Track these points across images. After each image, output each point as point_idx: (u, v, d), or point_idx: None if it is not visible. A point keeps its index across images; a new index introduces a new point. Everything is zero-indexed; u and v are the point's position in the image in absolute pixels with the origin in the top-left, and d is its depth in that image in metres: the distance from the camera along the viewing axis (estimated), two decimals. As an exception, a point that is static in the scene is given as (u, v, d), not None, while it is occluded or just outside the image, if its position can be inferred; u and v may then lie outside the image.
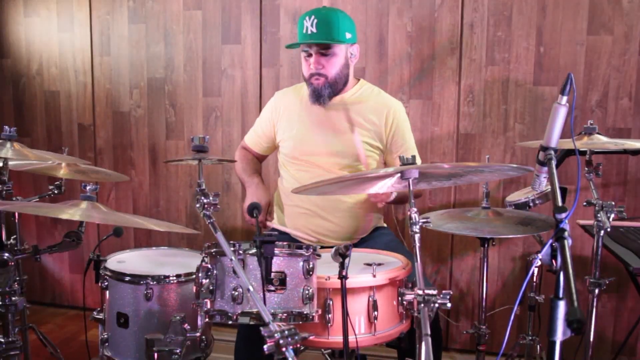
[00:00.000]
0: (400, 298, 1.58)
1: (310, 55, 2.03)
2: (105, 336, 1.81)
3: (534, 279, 2.16)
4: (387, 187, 1.62)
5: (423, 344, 1.18)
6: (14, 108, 3.36)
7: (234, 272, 1.38)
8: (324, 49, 2.01)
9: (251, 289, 1.27)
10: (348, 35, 2.03)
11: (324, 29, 1.98)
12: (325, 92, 2.05)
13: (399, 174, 1.48)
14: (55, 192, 2.39)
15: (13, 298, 1.63)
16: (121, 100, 3.19)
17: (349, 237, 2.11)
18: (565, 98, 1.28)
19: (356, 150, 2.08)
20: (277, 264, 1.41)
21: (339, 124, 2.10)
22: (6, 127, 1.93)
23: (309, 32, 1.99)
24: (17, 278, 2.03)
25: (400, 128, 2.13)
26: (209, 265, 1.43)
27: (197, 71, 3.07)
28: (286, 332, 1.17)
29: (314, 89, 2.05)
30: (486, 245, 2.06)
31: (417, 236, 1.32)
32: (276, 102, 2.25)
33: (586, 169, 1.91)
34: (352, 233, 2.13)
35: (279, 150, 2.26)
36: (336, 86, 2.07)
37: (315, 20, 1.97)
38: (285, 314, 1.40)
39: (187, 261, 1.94)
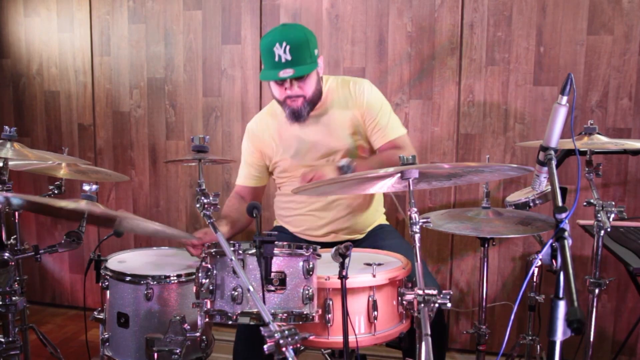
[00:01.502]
0: (400, 298, 1.58)
1: (284, 81, 1.95)
2: (106, 336, 1.81)
3: (534, 279, 2.16)
4: (387, 187, 1.63)
5: (423, 344, 1.19)
6: (14, 108, 3.36)
7: (234, 272, 1.38)
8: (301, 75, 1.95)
9: (251, 289, 1.27)
10: (316, 52, 1.99)
11: (298, 54, 1.89)
12: (304, 111, 2.01)
13: (399, 174, 1.48)
14: (55, 192, 2.39)
15: (13, 298, 1.63)
16: (121, 100, 3.20)
17: (353, 232, 2.13)
18: (565, 98, 1.28)
19: (347, 144, 2.07)
20: (277, 264, 1.41)
21: (323, 129, 2.09)
22: (6, 127, 1.93)
23: (283, 59, 1.89)
24: (17, 278, 2.04)
25: (369, 103, 2.08)
26: (209, 265, 1.43)
27: (197, 71, 3.07)
28: (286, 332, 1.17)
29: (292, 110, 2.01)
30: (486, 245, 2.06)
31: (417, 236, 1.32)
32: (252, 133, 2.20)
33: (586, 169, 1.91)
34: (353, 229, 2.14)
35: (273, 175, 2.24)
36: (313, 102, 2.04)
37: (288, 47, 1.88)
38: (285, 314, 1.40)
39: (187, 261, 1.94)
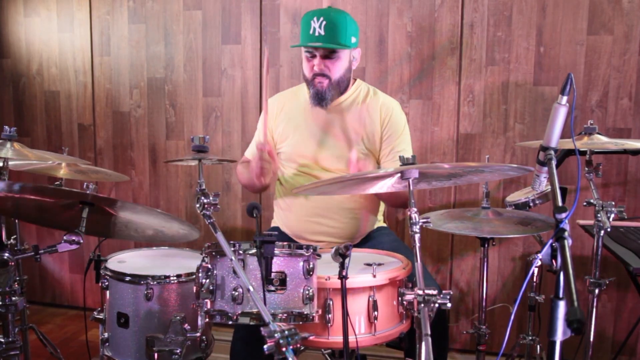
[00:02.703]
0: (400, 298, 1.58)
1: (314, 56, 2.01)
2: (106, 336, 1.81)
3: (534, 279, 2.16)
4: (387, 187, 1.62)
5: (423, 344, 1.18)
6: (14, 108, 3.36)
7: (234, 272, 1.38)
8: (330, 52, 1.99)
9: (251, 289, 1.27)
10: (353, 40, 2.02)
11: (332, 32, 1.95)
12: (328, 95, 2.03)
13: (398, 174, 1.48)
14: (55, 192, 2.38)
15: (13, 298, 1.63)
16: (121, 100, 3.20)
17: (349, 238, 2.12)
18: (565, 98, 1.28)
19: (349, 152, 2.07)
20: (277, 264, 1.41)
21: (337, 128, 2.10)
22: (6, 127, 1.93)
23: (317, 33, 1.95)
24: (17, 278, 2.04)
25: (394, 126, 2.10)
26: (209, 265, 1.43)
27: (197, 71, 3.07)
28: (286, 332, 1.17)
29: (317, 91, 2.03)
30: (486, 245, 2.06)
31: (417, 236, 1.32)
32: (271, 108, 2.21)
33: (586, 169, 1.91)
34: (351, 234, 2.13)
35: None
36: (338, 89, 2.06)
37: (324, 22, 1.94)
38: (285, 314, 1.40)
39: (187, 261, 1.94)
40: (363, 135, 2.09)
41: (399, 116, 2.14)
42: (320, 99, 2.04)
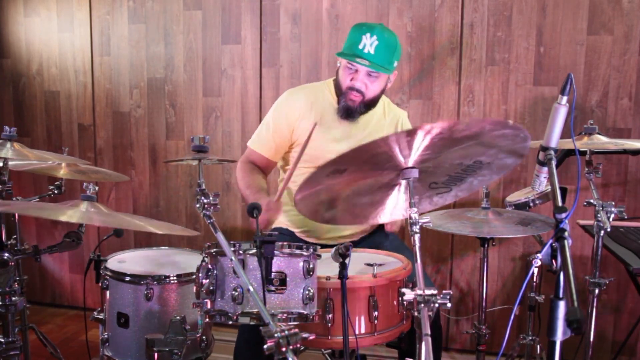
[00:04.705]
0: (400, 298, 1.58)
1: (356, 71, 1.98)
2: (106, 336, 1.81)
3: (534, 279, 2.16)
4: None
5: (423, 344, 1.18)
6: (14, 108, 3.36)
7: (234, 272, 1.38)
8: (374, 72, 1.97)
9: (251, 289, 1.27)
10: (395, 64, 2.02)
11: (383, 54, 1.93)
12: (359, 110, 2.02)
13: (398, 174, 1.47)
14: (55, 192, 2.39)
15: (13, 298, 1.63)
16: (121, 100, 3.20)
17: (348, 236, 2.12)
18: (565, 98, 1.28)
19: None
20: (277, 264, 1.40)
21: (359, 138, 2.04)
22: (6, 127, 1.93)
23: (366, 50, 1.92)
24: (17, 278, 2.04)
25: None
26: (209, 265, 1.43)
27: (197, 71, 3.07)
28: (286, 332, 1.17)
29: (347, 106, 2.01)
30: (486, 245, 2.06)
31: (417, 236, 1.32)
32: (293, 102, 2.10)
33: (586, 169, 1.91)
34: (351, 232, 2.13)
35: (288, 152, 2.16)
36: (369, 107, 2.06)
37: (376, 43, 1.92)
38: (285, 314, 1.40)
39: (187, 261, 1.94)
40: None
41: (407, 125, 2.19)
42: (349, 114, 2.02)
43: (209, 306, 1.43)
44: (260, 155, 2.15)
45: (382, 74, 1.99)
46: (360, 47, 1.93)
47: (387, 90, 2.10)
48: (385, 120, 2.15)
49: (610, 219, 1.71)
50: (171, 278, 1.76)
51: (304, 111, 2.08)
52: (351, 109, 2.01)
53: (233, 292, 1.39)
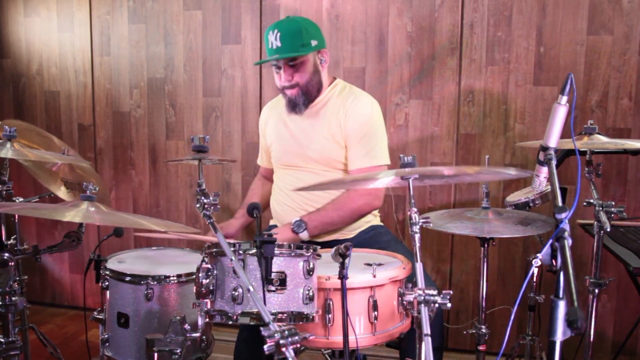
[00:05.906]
0: (400, 298, 1.58)
1: (279, 67, 2.06)
2: (106, 336, 1.81)
3: (534, 279, 2.16)
4: (384, 184, 1.62)
5: (423, 344, 1.19)
6: (14, 108, 3.36)
7: (234, 272, 1.38)
8: (292, 60, 2.03)
9: (251, 289, 1.27)
10: (314, 43, 2.04)
11: (288, 41, 1.99)
12: (300, 100, 2.08)
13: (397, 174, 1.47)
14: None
15: (13, 298, 1.63)
16: (121, 100, 3.20)
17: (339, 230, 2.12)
18: (565, 98, 1.28)
19: (328, 156, 2.11)
20: (277, 264, 1.41)
21: (316, 128, 2.12)
22: (6, 127, 1.93)
23: (274, 46, 2.01)
24: (17, 278, 2.03)
25: (354, 121, 2.06)
26: (209, 265, 1.43)
27: (197, 71, 3.07)
28: (286, 332, 1.17)
29: (289, 99, 2.10)
30: (486, 245, 2.06)
31: (417, 236, 1.32)
32: (263, 115, 2.36)
33: (586, 169, 1.91)
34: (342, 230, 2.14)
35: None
36: (310, 94, 2.09)
37: (279, 34, 1.99)
38: (285, 314, 1.40)
39: (187, 261, 1.94)
40: (332, 138, 2.10)
41: (362, 113, 2.08)
42: (293, 105, 2.10)
43: (209, 306, 1.43)
44: (262, 167, 2.46)
45: (304, 59, 2.04)
46: (270, 46, 2.03)
47: (323, 69, 2.11)
48: (334, 105, 2.12)
49: (610, 219, 1.71)
50: (171, 278, 1.76)
51: (267, 116, 2.33)
52: (293, 100, 2.09)
53: (233, 292, 1.39)
